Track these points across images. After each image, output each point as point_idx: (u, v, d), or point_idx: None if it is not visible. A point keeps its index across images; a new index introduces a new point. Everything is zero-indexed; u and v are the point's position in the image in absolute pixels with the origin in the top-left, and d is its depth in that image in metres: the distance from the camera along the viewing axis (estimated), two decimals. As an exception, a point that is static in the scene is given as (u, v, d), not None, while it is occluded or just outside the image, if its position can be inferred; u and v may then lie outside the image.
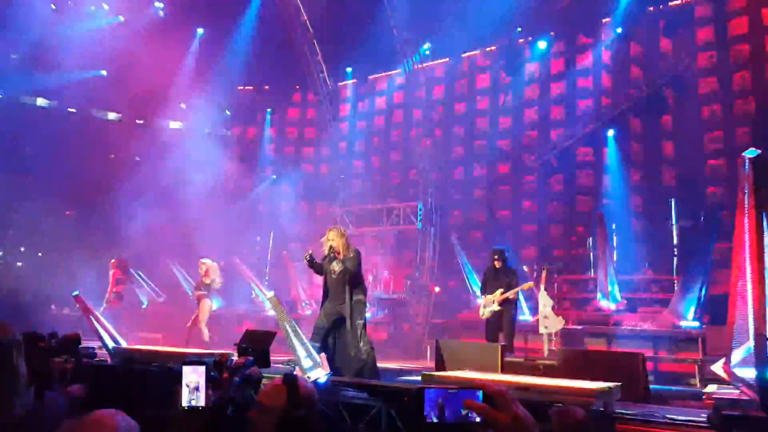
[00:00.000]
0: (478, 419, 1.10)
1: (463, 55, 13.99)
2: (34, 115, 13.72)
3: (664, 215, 10.67)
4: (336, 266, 6.05)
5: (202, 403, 1.60)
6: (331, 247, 5.98)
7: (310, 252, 6.11)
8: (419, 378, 5.70)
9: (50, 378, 2.72)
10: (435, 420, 1.13)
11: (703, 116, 11.07)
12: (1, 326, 1.71)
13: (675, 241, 10.47)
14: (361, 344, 5.99)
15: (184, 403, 1.61)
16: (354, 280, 5.99)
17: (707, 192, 10.54)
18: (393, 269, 12.78)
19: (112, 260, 11.13)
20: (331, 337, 6.19)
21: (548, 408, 3.19)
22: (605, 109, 12.03)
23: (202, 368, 1.63)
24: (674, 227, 10.47)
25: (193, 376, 1.61)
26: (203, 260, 9.34)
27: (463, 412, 1.11)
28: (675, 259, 10.22)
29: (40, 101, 14.60)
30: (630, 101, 11.58)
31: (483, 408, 1.09)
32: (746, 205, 4.15)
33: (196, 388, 1.61)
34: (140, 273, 12.86)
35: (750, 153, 4.12)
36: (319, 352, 6.09)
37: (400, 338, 11.36)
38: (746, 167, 4.08)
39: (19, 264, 14.04)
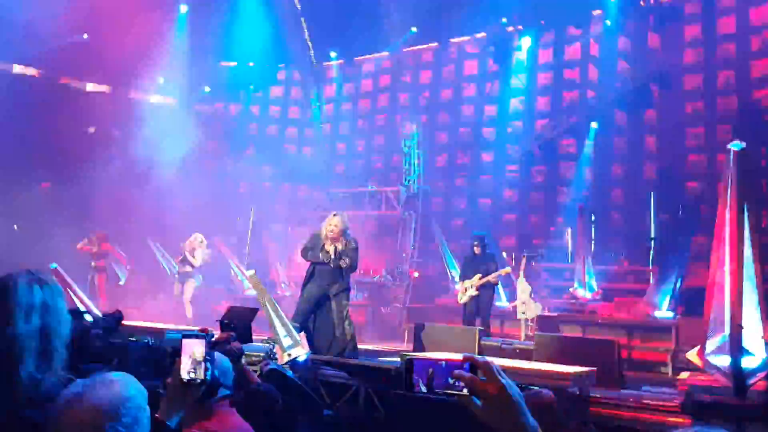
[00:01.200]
0: (465, 390, 1.12)
1: (451, 41, 13.88)
2: (9, 82, 13.22)
3: (643, 208, 10.81)
4: (331, 250, 6.05)
5: (201, 376, 1.60)
6: (331, 231, 6.00)
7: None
8: (397, 359, 5.73)
9: None
10: (423, 389, 1.15)
11: (686, 112, 11.20)
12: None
13: (653, 234, 10.62)
14: (346, 324, 6.10)
15: (184, 376, 1.60)
16: (350, 269, 6.11)
17: (687, 186, 10.71)
18: (373, 253, 12.73)
19: (93, 235, 10.85)
20: (312, 317, 6.20)
21: (522, 391, 3.21)
22: (591, 101, 12.10)
23: (203, 341, 1.63)
24: (653, 220, 10.62)
25: (195, 349, 1.62)
26: (197, 235, 9.33)
27: (451, 381, 1.13)
28: (652, 251, 10.38)
29: (17, 68, 14.07)
30: (615, 94, 11.65)
31: (471, 378, 1.11)
32: (728, 197, 4.20)
33: (198, 362, 1.61)
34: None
35: (735, 146, 4.16)
36: (299, 332, 6.10)
37: (378, 321, 11.38)
38: (731, 159, 4.12)
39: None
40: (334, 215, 6.23)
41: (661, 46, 11.64)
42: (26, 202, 12.69)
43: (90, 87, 14.89)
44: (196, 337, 1.64)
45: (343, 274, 6.15)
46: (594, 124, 11.86)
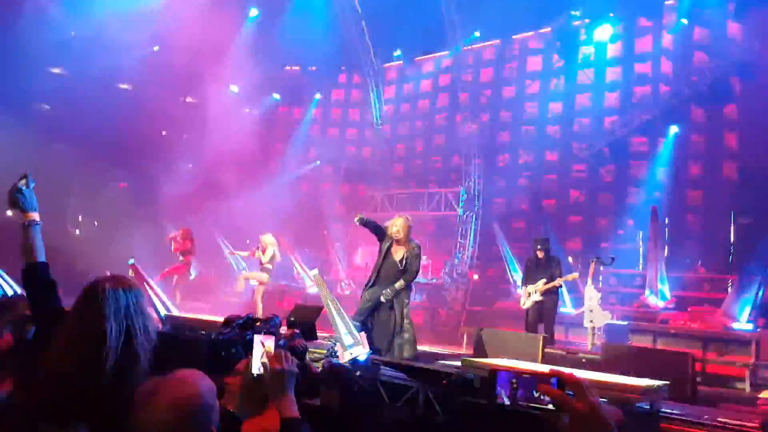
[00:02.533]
0: (551, 406, 1.09)
1: (514, 37, 13.55)
2: (92, 91, 14.20)
3: (722, 211, 10.12)
4: (397, 254, 6.11)
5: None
6: (397, 232, 6.05)
7: (359, 215, 6.21)
8: (456, 363, 5.67)
9: None
10: (506, 401, 1.14)
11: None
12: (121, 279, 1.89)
13: (732, 239, 9.94)
14: (406, 323, 6.13)
15: (254, 371, 1.67)
16: (412, 274, 6.16)
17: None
18: (432, 254, 12.68)
19: (180, 230, 11.31)
20: (372, 316, 6.26)
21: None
22: (664, 96, 11.43)
23: (273, 339, 1.71)
24: (732, 224, 9.92)
25: (265, 346, 1.69)
26: (265, 235, 9.64)
27: (536, 395, 1.11)
28: (731, 257, 9.71)
29: (97, 78, 15.07)
30: (691, 89, 10.94)
31: (560, 394, 1.08)
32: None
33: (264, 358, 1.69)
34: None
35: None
36: (359, 331, 6.19)
37: (436, 323, 11.32)
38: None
39: (77, 232, 14.70)
40: (398, 217, 6.25)
41: (743, 35, 10.81)
42: (106, 201, 13.59)
43: (164, 94, 15.72)
44: (268, 334, 1.71)
45: (405, 276, 6.18)
46: (673, 128, 11.12)
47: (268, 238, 9.66)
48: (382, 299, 6.15)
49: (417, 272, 6.26)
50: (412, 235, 6.33)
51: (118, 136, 13.71)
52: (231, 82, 15.11)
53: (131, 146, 14.06)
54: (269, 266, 9.60)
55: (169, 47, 13.56)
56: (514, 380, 1.14)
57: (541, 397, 1.10)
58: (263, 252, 9.61)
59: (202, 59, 13.45)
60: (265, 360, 1.69)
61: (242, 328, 1.75)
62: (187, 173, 13.73)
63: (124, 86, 14.95)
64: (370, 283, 6.33)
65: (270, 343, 1.70)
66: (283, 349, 2.04)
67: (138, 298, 1.84)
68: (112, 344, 1.68)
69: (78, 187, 13.83)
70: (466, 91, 12.84)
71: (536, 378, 1.12)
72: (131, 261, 8.42)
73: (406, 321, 6.17)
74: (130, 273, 9.01)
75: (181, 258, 10.45)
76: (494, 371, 1.16)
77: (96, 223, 14.74)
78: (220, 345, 2.16)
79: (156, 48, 14.49)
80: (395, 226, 6.11)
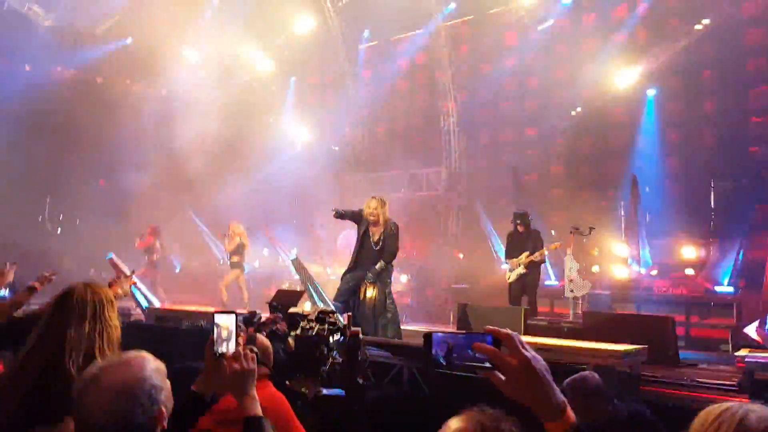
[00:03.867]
0: (487, 364, 1.10)
1: (489, 12, 13.39)
2: (67, 87, 13.89)
3: (701, 177, 10.15)
4: (374, 236, 6.05)
5: (232, 350, 1.67)
6: (371, 214, 6.01)
7: (335, 208, 6.15)
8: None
9: None
10: (443, 362, 1.15)
11: (747, 70, 10.36)
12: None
13: (712, 204, 9.99)
14: (388, 302, 6.14)
15: (216, 350, 1.68)
16: (391, 254, 6.13)
17: (749, 151, 9.94)
18: (417, 235, 12.65)
19: (147, 228, 11.24)
20: (353, 297, 6.23)
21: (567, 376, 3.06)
22: (641, 65, 11.37)
23: (232, 317, 1.70)
24: (712, 189, 9.97)
25: (224, 324, 1.70)
26: (233, 224, 9.55)
27: (470, 354, 1.11)
28: (711, 222, 9.76)
29: (71, 73, 14.73)
30: (668, 56, 10.89)
31: (491, 350, 1.09)
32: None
33: (228, 337, 1.68)
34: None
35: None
36: (342, 312, 6.17)
37: (423, 303, 11.33)
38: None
39: (58, 231, 14.49)
40: (372, 198, 6.20)
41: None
42: (85, 199, 13.36)
43: (136, 87, 15.39)
44: (227, 313, 1.70)
45: (384, 257, 6.14)
46: (651, 92, 11.12)
47: (236, 227, 9.60)
48: (367, 282, 6.11)
49: (395, 252, 6.22)
50: (389, 216, 6.28)
51: (92, 131, 13.46)
52: (202, 70, 14.81)
53: (106, 141, 13.81)
54: (236, 258, 9.55)
55: (135, 34, 13.29)
56: (449, 341, 1.14)
57: (478, 356, 1.10)
58: (230, 240, 9.54)
59: (171, 47, 13.17)
60: (227, 339, 1.68)
61: (219, 312, 1.75)
62: (161, 165, 13.49)
63: (91, 78, 14.64)
64: (351, 267, 6.30)
65: (230, 322, 1.68)
66: (244, 333, 2.02)
67: (106, 303, 1.99)
68: (73, 346, 1.77)
69: (57, 185, 13.61)
70: (443, 70, 12.70)
71: (470, 337, 1.12)
72: (109, 255, 8.30)
73: (388, 301, 6.16)
74: (111, 269, 8.90)
75: (146, 257, 10.36)
76: (429, 334, 1.16)
77: (78, 221, 14.53)
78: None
79: (129, 41, 14.18)
80: (369, 207, 6.08)
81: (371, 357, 5.51)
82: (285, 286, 9.46)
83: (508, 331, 1.11)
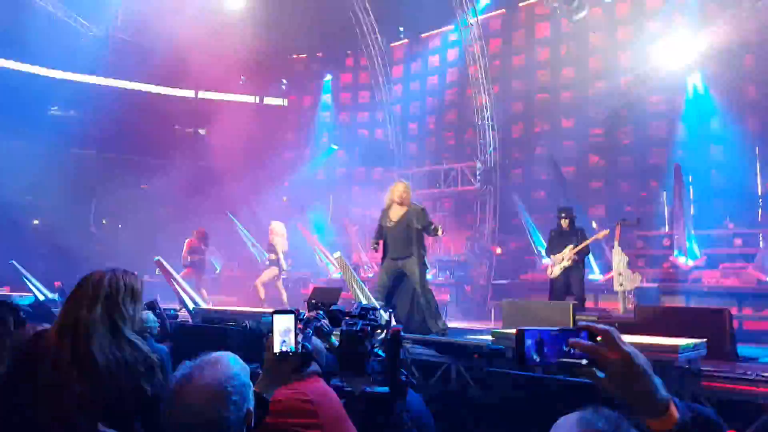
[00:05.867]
0: (583, 361, 1.05)
1: (520, 5, 13.24)
2: (107, 95, 14.33)
3: (747, 164, 9.85)
4: (395, 214, 6.04)
5: (293, 348, 1.70)
6: (399, 196, 6.02)
7: (374, 245, 6.22)
8: (487, 337, 5.64)
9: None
10: (536, 359, 1.08)
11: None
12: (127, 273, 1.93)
13: (759, 192, 9.68)
14: (428, 294, 6.09)
15: (276, 349, 1.70)
16: (420, 233, 6.05)
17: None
18: (452, 231, 12.63)
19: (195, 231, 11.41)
20: (395, 293, 6.22)
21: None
22: (679, 53, 11.08)
23: (291, 316, 1.72)
24: (759, 176, 9.66)
25: (284, 324, 1.72)
26: (273, 222, 9.64)
27: (565, 349, 1.07)
28: (760, 210, 9.47)
29: (113, 82, 15.18)
30: (708, 42, 10.58)
31: (592, 346, 1.04)
32: None
33: (288, 335, 1.71)
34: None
35: None
36: (386, 309, 6.16)
37: (462, 300, 11.30)
38: None
39: (101, 235, 14.96)
40: (399, 182, 6.24)
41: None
42: (128, 203, 13.78)
43: (176, 93, 15.80)
44: (286, 312, 1.72)
45: (411, 242, 6.05)
46: (691, 78, 10.77)
47: (277, 227, 9.60)
48: (404, 265, 6.01)
49: (430, 228, 6.13)
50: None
51: (133, 137, 13.87)
52: (238, 74, 15.10)
53: (147, 146, 14.21)
54: (273, 257, 9.59)
55: (177, 48, 13.58)
56: (543, 337, 1.09)
57: (572, 352, 1.06)
58: (271, 240, 9.56)
59: (207, 54, 13.43)
60: (286, 338, 1.71)
61: (279, 312, 1.77)
62: (204, 168, 13.82)
63: (133, 85, 15.00)
64: (382, 258, 6.28)
65: (290, 321, 1.71)
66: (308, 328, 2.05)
67: (132, 287, 1.88)
68: (96, 330, 1.70)
69: (100, 190, 14.06)
70: (475, 64, 12.61)
71: (565, 333, 1.08)
72: (157, 258, 8.50)
73: (426, 291, 6.14)
74: (156, 270, 9.14)
75: (188, 259, 10.47)
76: (522, 330, 1.10)
77: (120, 226, 14.98)
78: (256, 334, 2.20)
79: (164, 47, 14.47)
80: (398, 190, 6.09)
81: (416, 355, 5.55)
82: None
83: (606, 326, 1.08)
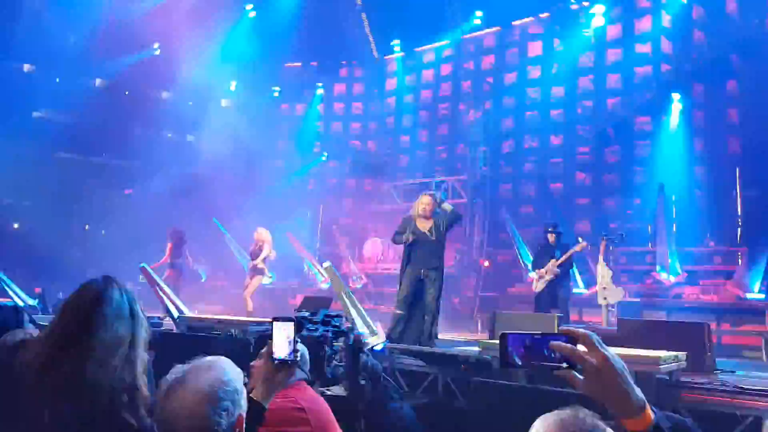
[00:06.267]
0: (564, 364, 1.10)
1: (513, 23, 13.56)
2: (93, 98, 14.24)
3: (728, 185, 10.17)
4: (426, 227, 6.17)
5: (292, 356, 1.70)
6: (424, 209, 6.16)
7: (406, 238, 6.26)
8: (475, 348, 5.75)
9: None
10: (519, 363, 1.14)
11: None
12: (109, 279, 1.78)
13: (739, 211, 9.99)
14: (434, 311, 6.24)
15: (277, 356, 1.71)
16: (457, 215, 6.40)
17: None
18: (442, 244, 12.74)
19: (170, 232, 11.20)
20: (413, 304, 6.25)
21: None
22: (665, 75, 11.46)
23: (291, 324, 1.72)
24: (739, 197, 9.97)
25: (284, 331, 1.72)
26: (259, 229, 9.52)
27: (547, 354, 1.12)
28: (739, 229, 9.77)
29: (98, 82, 15.12)
30: (692, 66, 10.98)
31: (572, 349, 1.09)
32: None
33: (288, 343, 1.71)
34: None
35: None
36: (405, 320, 6.21)
37: (449, 311, 11.38)
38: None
39: (85, 240, 14.79)
40: (425, 194, 6.36)
41: (740, 12, 10.83)
42: (112, 208, 13.63)
43: (164, 95, 15.80)
44: (286, 320, 1.74)
45: (439, 253, 6.19)
46: (676, 96, 11.12)
47: (264, 233, 9.43)
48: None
49: (459, 218, 6.55)
50: None
51: (119, 141, 13.74)
52: (230, 80, 15.15)
53: (132, 151, 14.09)
54: (261, 265, 9.38)
55: (166, 50, 13.59)
56: (525, 341, 1.13)
57: (553, 355, 1.10)
58: (259, 248, 9.34)
59: (200, 57, 13.46)
60: (285, 346, 1.71)
61: (279, 320, 1.80)
62: (190, 174, 13.75)
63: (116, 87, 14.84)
64: (403, 268, 6.28)
65: (290, 329, 1.72)
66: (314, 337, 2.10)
67: (135, 301, 1.76)
68: (113, 352, 1.61)
69: (83, 194, 13.86)
70: (468, 79, 12.88)
71: (547, 337, 1.11)
72: (143, 264, 8.41)
73: (434, 308, 6.24)
74: (140, 277, 9.05)
75: (170, 261, 10.20)
76: (505, 333, 1.14)
77: (103, 231, 14.82)
78: (261, 339, 2.26)
79: (156, 50, 14.52)
80: (423, 203, 6.22)
81: (404, 366, 5.62)
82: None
83: (586, 330, 1.14)
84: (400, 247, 12.13)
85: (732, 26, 10.75)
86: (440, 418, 4.97)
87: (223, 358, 1.49)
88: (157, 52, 14.64)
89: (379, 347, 5.86)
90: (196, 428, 1.33)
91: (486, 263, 12.15)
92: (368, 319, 6.71)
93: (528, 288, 8.63)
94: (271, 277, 9.85)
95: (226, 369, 1.44)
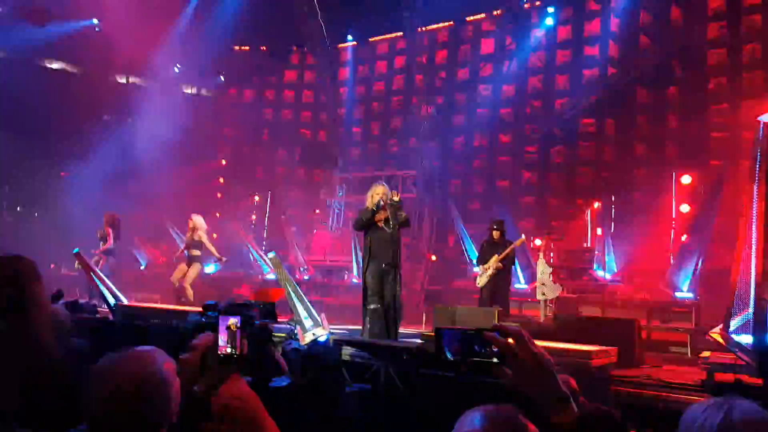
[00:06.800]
0: (495, 360, 1.13)
1: (468, 19, 13.65)
2: (29, 72, 13.38)
3: (665, 188, 10.62)
4: (382, 217, 5.99)
5: (237, 351, 1.64)
6: (381, 199, 5.97)
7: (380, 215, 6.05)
8: (417, 339, 5.75)
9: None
10: (452, 357, 1.16)
11: (709, 88, 10.91)
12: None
13: (673, 214, 10.46)
14: (400, 305, 6.20)
15: (222, 351, 1.64)
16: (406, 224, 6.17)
17: (710, 164, 10.46)
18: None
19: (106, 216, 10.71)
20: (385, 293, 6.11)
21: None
22: (611, 79, 11.83)
23: (236, 317, 1.66)
24: (674, 200, 10.44)
25: (231, 325, 1.66)
26: (193, 216, 9.22)
27: (478, 349, 1.14)
28: (672, 232, 10.23)
29: (35, 57, 14.22)
30: (637, 71, 11.38)
31: (504, 342, 1.11)
32: (757, 173, 4.10)
33: (233, 337, 1.65)
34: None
35: (766, 118, 4.05)
36: (383, 312, 6.09)
37: (395, 304, 11.41)
38: (760, 133, 4.01)
39: (15, 222, 13.95)
40: (379, 185, 6.22)
41: (684, 21, 11.31)
42: (47, 191, 12.90)
43: (108, 76, 15.01)
44: (233, 314, 1.66)
45: (395, 247, 6.05)
46: (616, 103, 11.47)
47: (197, 220, 9.15)
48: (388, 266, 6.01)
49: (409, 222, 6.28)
50: None
51: (55, 122, 13.00)
52: (175, 62, 14.54)
53: (70, 132, 13.36)
54: (196, 252, 9.09)
55: (107, 27, 12.89)
56: (458, 337, 1.16)
57: (485, 351, 1.13)
58: (195, 235, 9.08)
59: (143, 37, 12.83)
60: (230, 340, 1.65)
61: (225, 313, 1.69)
62: (131, 159, 13.14)
63: (56, 65, 14.11)
64: (367, 263, 6.10)
65: (236, 323, 1.65)
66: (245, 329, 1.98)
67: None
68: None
69: (16, 175, 13.08)
70: (421, 73, 12.86)
71: (479, 333, 1.14)
72: (76, 250, 8.02)
73: (399, 299, 6.19)
74: (76, 263, 8.61)
75: (101, 244, 9.81)
76: (439, 328, 1.17)
77: (36, 214, 14.02)
78: (198, 329, 2.11)
79: (95, 21, 13.74)
80: (377, 194, 6.03)
81: (348, 358, 5.57)
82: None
83: (516, 327, 1.16)
84: (348, 240, 12.07)
85: (675, 34, 11.20)
86: (382, 409, 4.97)
87: (155, 348, 1.47)
88: (97, 29, 13.86)
89: (323, 338, 5.79)
90: (121, 419, 1.32)
91: (433, 257, 12.24)
92: (313, 311, 6.62)
93: (472, 282, 8.71)
94: (221, 260, 9.52)
95: (156, 360, 1.42)
